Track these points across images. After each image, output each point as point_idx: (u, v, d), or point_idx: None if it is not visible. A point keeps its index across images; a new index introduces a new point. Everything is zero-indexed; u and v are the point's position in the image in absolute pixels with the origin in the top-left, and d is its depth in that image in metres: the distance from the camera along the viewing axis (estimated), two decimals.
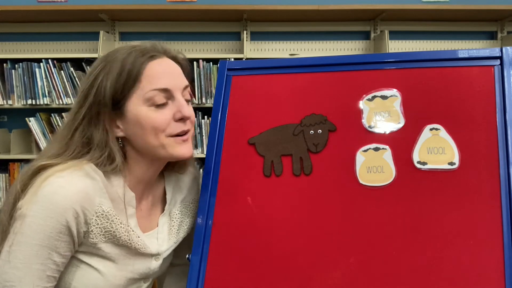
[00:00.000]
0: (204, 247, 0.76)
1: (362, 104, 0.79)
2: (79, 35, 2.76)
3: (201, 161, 2.51)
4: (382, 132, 0.77)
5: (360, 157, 0.76)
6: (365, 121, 0.78)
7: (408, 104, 0.77)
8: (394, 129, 0.76)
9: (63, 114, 2.45)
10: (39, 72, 2.41)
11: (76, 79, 2.41)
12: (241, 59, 2.52)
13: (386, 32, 2.54)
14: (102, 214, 0.70)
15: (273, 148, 0.80)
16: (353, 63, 0.83)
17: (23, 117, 2.47)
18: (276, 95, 0.85)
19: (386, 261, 0.68)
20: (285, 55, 2.77)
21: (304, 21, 2.75)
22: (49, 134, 2.44)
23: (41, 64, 2.41)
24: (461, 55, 0.78)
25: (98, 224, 0.70)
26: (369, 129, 0.77)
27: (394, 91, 0.79)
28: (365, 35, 2.82)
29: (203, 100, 2.45)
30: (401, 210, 0.71)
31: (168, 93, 0.73)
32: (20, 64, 2.42)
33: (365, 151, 0.76)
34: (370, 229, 0.71)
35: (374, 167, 0.75)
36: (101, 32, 2.47)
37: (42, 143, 2.43)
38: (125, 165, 0.75)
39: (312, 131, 0.80)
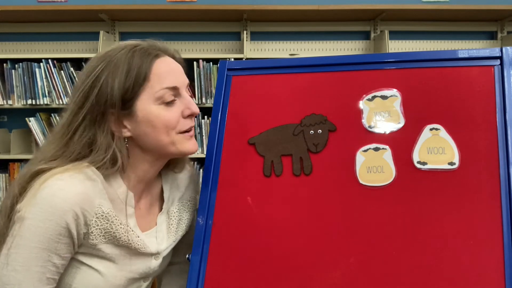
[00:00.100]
0: (204, 247, 0.76)
1: (362, 104, 0.79)
2: (79, 35, 2.76)
3: (201, 161, 2.51)
4: (382, 132, 0.77)
5: (360, 157, 0.76)
6: (365, 121, 0.78)
7: (408, 104, 0.77)
8: (394, 129, 0.76)
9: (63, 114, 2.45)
10: (39, 72, 2.42)
11: (76, 79, 2.41)
12: (241, 59, 2.52)
13: (386, 32, 2.54)
14: (102, 215, 0.70)
15: (273, 148, 0.80)
16: (353, 63, 0.83)
17: (23, 117, 2.47)
18: (276, 95, 0.85)
19: (386, 261, 0.68)
20: (285, 55, 2.77)
21: (304, 21, 2.75)
22: (49, 134, 2.44)
23: (41, 64, 2.41)
24: (461, 55, 0.78)
25: (98, 225, 0.70)
26: (369, 129, 0.77)
27: (394, 91, 0.79)
28: (365, 35, 2.82)
29: (203, 100, 2.45)
30: (401, 210, 0.71)
31: (176, 90, 0.74)
32: (20, 64, 2.42)
33: (365, 151, 0.76)
34: (370, 229, 0.71)
35: (374, 167, 0.75)
36: (101, 32, 2.47)
37: (42, 143, 2.43)
38: (127, 165, 0.75)
39: (312, 131, 0.80)
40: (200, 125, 2.47)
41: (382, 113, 0.78)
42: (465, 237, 0.67)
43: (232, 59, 2.45)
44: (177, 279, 0.96)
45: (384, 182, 0.73)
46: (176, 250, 0.90)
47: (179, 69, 0.77)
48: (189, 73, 2.45)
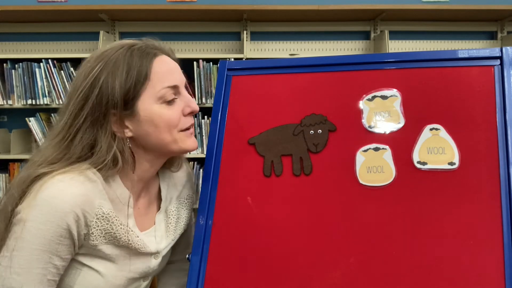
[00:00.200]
0: (204, 247, 0.76)
1: (362, 104, 0.79)
2: (79, 35, 2.76)
3: (201, 161, 2.51)
4: (382, 132, 0.77)
5: (360, 157, 0.76)
6: (365, 121, 0.78)
7: (408, 104, 0.77)
8: (394, 129, 0.76)
9: None
10: (39, 72, 2.42)
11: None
12: (241, 59, 2.52)
13: (386, 32, 2.54)
14: (102, 216, 0.70)
15: (273, 148, 0.80)
16: (353, 63, 0.83)
17: (23, 117, 2.47)
18: (276, 95, 0.85)
19: (386, 261, 0.68)
20: (285, 55, 2.77)
21: (304, 21, 2.75)
22: None
23: (41, 64, 2.41)
24: (461, 55, 0.78)
25: (98, 226, 0.70)
26: (369, 129, 0.77)
27: (394, 91, 0.79)
28: (365, 35, 2.82)
29: (203, 100, 2.45)
30: (401, 210, 0.71)
31: (176, 89, 0.74)
32: (20, 64, 2.42)
33: (365, 151, 0.76)
34: (370, 229, 0.71)
35: (374, 167, 0.75)
36: (101, 32, 2.47)
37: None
38: (128, 165, 0.74)
39: (312, 131, 0.80)
40: (200, 125, 2.47)
41: (382, 113, 0.78)
42: (465, 237, 0.67)
43: (232, 59, 2.45)
44: (175, 278, 0.96)
45: (384, 182, 0.73)
46: (174, 248, 0.90)
47: (177, 68, 0.77)
48: (189, 73, 2.45)
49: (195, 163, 2.49)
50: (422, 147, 0.74)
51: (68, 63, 2.43)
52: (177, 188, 0.89)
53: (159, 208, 0.85)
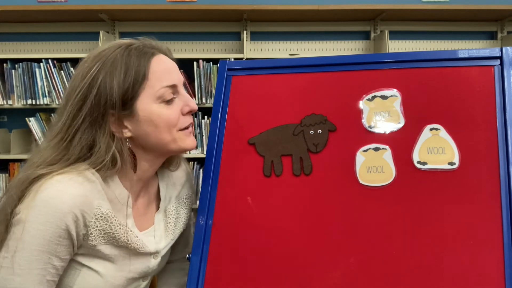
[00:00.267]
0: (204, 247, 0.76)
1: (362, 104, 0.79)
2: (79, 35, 2.76)
3: (201, 161, 2.51)
4: (382, 132, 0.77)
5: (360, 157, 0.76)
6: (365, 121, 0.78)
7: (408, 104, 0.77)
8: (394, 129, 0.76)
9: None
10: (39, 72, 2.41)
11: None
12: (241, 59, 2.52)
13: (386, 32, 2.54)
14: (101, 216, 0.70)
15: (273, 148, 0.80)
16: (353, 63, 0.83)
17: (23, 117, 2.47)
18: (276, 95, 0.85)
19: (386, 261, 0.68)
20: (285, 55, 2.77)
21: (304, 21, 2.75)
22: None
23: (41, 64, 2.41)
24: (461, 55, 0.78)
25: (97, 226, 0.70)
26: (369, 129, 0.77)
27: (394, 91, 0.79)
28: (365, 35, 2.82)
29: (203, 100, 2.45)
30: (401, 210, 0.71)
31: (174, 88, 0.74)
32: (20, 64, 2.42)
33: (365, 151, 0.76)
34: (370, 229, 0.71)
35: (374, 167, 0.75)
36: (101, 32, 2.47)
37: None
38: (128, 165, 0.74)
39: (312, 131, 0.80)
40: (200, 125, 2.47)
41: (382, 113, 0.78)
42: (465, 237, 0.67)
43: (232, 59, 2.45)
44: (175, 277, 0.96)
45: (384, 182, 0.73)
46: (173, 248, 0.90)
47: (174, 67, 0.77)
48: (189, 73, 2.45)
49: (195, 163, 2.49)
50: (422, 147, 0.74)
51: (68, 63, 2.43)
52: (176, 187, 0.89)
53: (158, 207, 0.85)
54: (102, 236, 0.71)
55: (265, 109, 0.84)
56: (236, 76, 0.88)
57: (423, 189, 0.71)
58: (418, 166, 0.73)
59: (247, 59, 2.54)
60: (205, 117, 2.49)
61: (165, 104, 0.73)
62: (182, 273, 0.96)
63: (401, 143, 0.75)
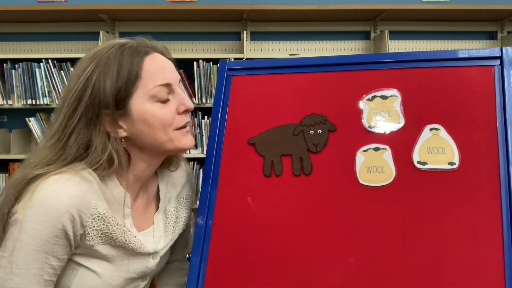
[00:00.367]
0: (204, 247, 0.76)
1: (362, 104, 0.79)
2: (79, 35, 2.76)
3: (201, 161, 2.51)
4: (382, 132, 0.77)
5: (360, 157, 0.76)
6: (365, 121, 0.78)
7: (408, 104, 0.77)
8: (394, 129, 0.76)
9: None
10: (39, 72, 2.42)
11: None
12: (241, 59, 2.52)
13: (386, 32, 2.54)
14: (98, 216, 0.70)
15: (273, 148, 0.80)
16: (353, 63, 0.83)
17: (23, 117, 2.47)
18: (276, 95, 0.85)
19: (386, 261, 0.68)
20: (285, 55, 2.77)
21: (304, 21, 2.75)
22: None
23: (41, 64, 2.41)
24: (461, 55, 0.78)
25: (94, 226, 0.69)
26: (369, 129, 0.77)
27: (394, 91, 0.79)
28: (365, 35, 2.82)
29: (203, 100, 2.45)
30: (401, 210, 0.71)
31: (169, 87, 0.73)
32: (20, 64, 2.42)
33: (365, 151, 0.76)
34: (370, 229, 0.71)
35: (374, 167, 0.75)
36: (101, 32, 2.47)
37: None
38: (125, 165, 0.74)
39: (312, 131, 0.80)
40: (200, 125, 2.47)
41: (382, 113, 0.78)
42: (465, 237, 0.67)
43: (232, 59, 2.45)
44: (175, 278, 0.96)
45: (384, 182, 0.73)
46: (173, 248, 0.90)
47: (170, 65, 0.76)
48: (189, 73, 2.45)
49: (195, 163, 2.49)
50: (422, 147, 0.74)
51: (68, 63, 2.43)
52: (176, 188, 0.89)
53: (157, 208, 0.85)
54: (100, 236, 0.71)
55: (265, 109, 0.84)
56: (236, 76, 0.88)
57: (423, 189, 0.71)
58: (418, 166, 0.73)
59: (247, 59, 2.54)
60: (205, 117, 2.49)
61: (159, 103, 0.72)
62: (182, 273, 0.96)
63: (401, 143, 0.75)
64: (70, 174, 0.68)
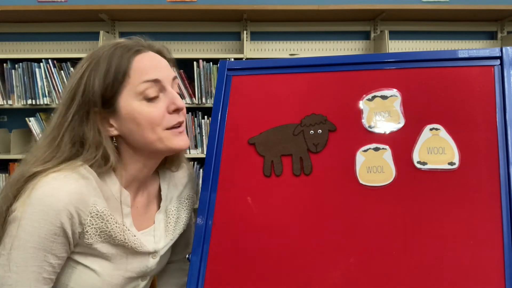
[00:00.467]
0: (204, 247, 0.76)
1: (362, 104, 0.79)
2: (79, 35, 2.76)
3: (201, 161, 2.51)
4: (382, 132, 0.77)
5: (360, 157, 0.76)
6: (365, 121, 0.78)
7: (408, 104, 0.77)
8: (394, 129, 0.76)
9: None
10: (39, 72, 2.42)
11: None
12: (241, 59, 2.52)
13: (386, 32, 2.54)
14: (97, 214, 0.70)
15: (273, 148, 0.80)
16: (353, 63, 0.83)
17: (23, 117, 2.47)
18: (276, 95, 0.85)
19: (386, 261, 0.68)
20: (285, 55, 2.77)
21: (304, 21, 2.75)
22: None
23: (41, 64, 2.41)
24: (461, 55, 0.78)
25: (93, 224, 0.69)
26: (369, 129, 0.77)
27: (394, 91, 0.79)
28: (365, 35, 2.82)
29: (203, 100, 2.45)
30: (401, 210, 0.71)
31: (159, 84, 0.72)
32: (20, 64, 2.42)
33: (365, 151, 0.76)
34: (370, 229, 0.71)
35: (374, 167, 0.75)
36: (101, 32, 2.47)
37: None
38: (120, 164, 0.74)
39: (312, 131, 0.80)
40: (200, 125, 2.47)
41: (382, 113, 0.78)
42: (465, 237, 0.67)
43: (232, 59, 2.45)
44: (175, 278, 0.96)
45: (384, 182, 0.73)
46: (174, 248, 0.90)
47: (162, 63, 0.75)
48: (189, 73, 2.45)
49: (195, 163, 2.49)
50: (422, 147, 0.74)
51: (68, 63, 2.43)
52: (178, 188, 0.89)
53: (159, 207, 0.85)
54: (99, 235, 0.71)
55: (265, 109, 0.84)
56: (236, 76, 0.88)
57: (423, 189, 0.71)
58: (418, 166, 0.73)
59: (247, 59, 2.54)
60: (205, 117, 2.49)
61: (147, 101, 0.71)
62: (183, 273, 0.96)
63: (401, 143, 0.75)
64: (68, 171, 0.68)
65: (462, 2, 2.67)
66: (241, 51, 2.66)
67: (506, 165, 0.69)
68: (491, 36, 2.84)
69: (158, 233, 0.82)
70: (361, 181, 0.74)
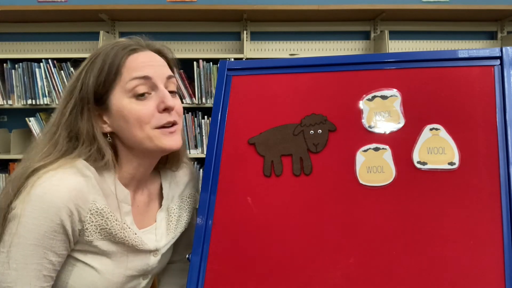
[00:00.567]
0: (204, 247, 0.76)
1: (362, 104, 0.79)
2: (79, 35, 2.76)
3: (201, 161, 2.51)
4: (382, 132, 0.77)
5: (360, 157, 0.76)
6: (365, 121, 0.78)
7: (408, 104, 0.77)
8: (394, 129, 0.76)
9: None
10: (39, 72, 2.42)
11: None
12: (241, 59, 2.52)
13: (386, 32, 2.54)
14: (97, 212, 0.70)
15: (273, 148, 0.80)
16: (353, 63, 0.83)
17: (23, 117, 2.47)
18: (276, 95, 0.85)
19: (386, 261, 0.68)
20: (285, 55, 2.77)
21: (304, 21, 2.75)
22: None
23: (41, 64, 2.41)
24: (461, 55, 0.78)
25: (93, 221, 0.70)
26: (369, 129, 0.77)
27: (394, 91, 0.79)
28: (365, 35, 2.82)
29: (203, 100, 2.45)
30: (401, 210, 0.71)
31: (150, 82, 0.72)
32: (20, 64, 2.42)
33: (365, 151, 0.76)
34: (370, 229, 0.71)
35: (374, 167, 0.75)
36: (101, 32, 2.47)
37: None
38: (116, 161, 0.75)
39: (312, 131, 0.80)
40: (200, 125, 2.47)
41: (382, 113, 0.78)
42: (465, 237, 0.67)
43: (232, 59, 2.45)
44: (176, 278, 0.96)
45: (384, 182, 0.73)
46: (175, 248, 0.90)
47: (157, 62, 0.75)
48: (189, 73, 2.45)
49: (195, 163, 2.49)
50: (422, 147, 0.74)
51: (68, 63, 2.44)
52: (179, 186, 0.89)
53: (160, 205, 0.85)
54: (99, 232, 0.71)
55: (265, 109, 0.84)
56: (236, 76, 0.88)
57: (423, 189, 0.71)
58: (418, 166, 0.73)
59: (247, 59, 2.54)
60: (205, 117, 2.49)
61: (137, 99, 0.71)
62: (184, 273, 0.96)
63: (401, 143, 0.75)
64: (67, 166, 0.69)
65: (462, 2, 2.67)
66: (241, 51, 2.66)
67: (506, 165, 0.69)
68: (491, 36, 2.84)
69: (160, 231, 0.82)
70: (361, 181, 0.74)
